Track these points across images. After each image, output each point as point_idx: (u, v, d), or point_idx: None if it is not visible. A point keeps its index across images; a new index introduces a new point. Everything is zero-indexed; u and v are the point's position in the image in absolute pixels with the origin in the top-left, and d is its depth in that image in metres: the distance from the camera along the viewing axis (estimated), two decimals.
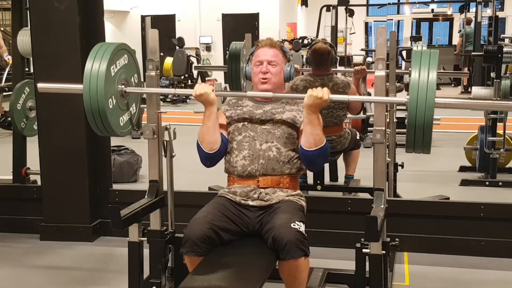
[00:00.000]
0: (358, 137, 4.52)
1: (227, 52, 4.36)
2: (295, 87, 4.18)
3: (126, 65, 2.60)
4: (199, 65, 11.52)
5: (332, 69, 4.36)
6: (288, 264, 2.31)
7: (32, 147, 4.32)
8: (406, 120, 2.19)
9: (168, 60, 11.88)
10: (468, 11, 14.21)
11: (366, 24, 19.85)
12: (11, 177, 4.51)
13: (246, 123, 2.62)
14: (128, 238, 2.65)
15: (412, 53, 2.22)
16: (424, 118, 2.11)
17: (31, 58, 4.04)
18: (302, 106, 2.59)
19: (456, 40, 16.57)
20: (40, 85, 2.78)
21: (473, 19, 12.08)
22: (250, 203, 2.52)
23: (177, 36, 12.76)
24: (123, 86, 2.58)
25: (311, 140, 2.47)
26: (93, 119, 2.47)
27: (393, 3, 17.78)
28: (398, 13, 19.69)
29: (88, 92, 2.43)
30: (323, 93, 2.41)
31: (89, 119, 2.48)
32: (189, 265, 2.42)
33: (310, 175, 4.42)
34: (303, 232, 2.34)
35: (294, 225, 2.32)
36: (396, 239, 3.33)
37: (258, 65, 2.63)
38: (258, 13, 15.14)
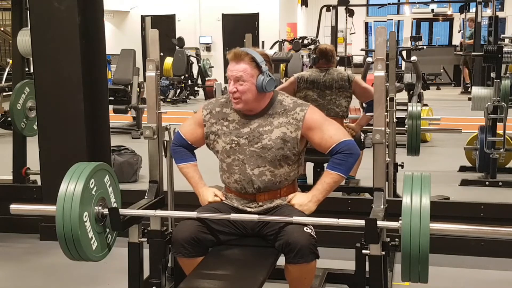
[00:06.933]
0: (362, 139, 4.52)
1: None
2: (300, 76, 4.30)
3: (104, 185, 2.42)
4: None
5: None
6: (299, 267, 2.31)
7: (32, 147, 4.32)
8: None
9: (168, 60, 11.88)
10: (468, 11, 14.21)
11: (366, 24, 19.86)
12: (11, 177, 4.51)
13: (234, 145, 2.48)
14: (128, 239, 2.65)
15: (403, 177, 2.13)
16: (419, 246, 2.01)
17: (31, 58, 4.04)
18: (292, 117, 2.45)
19: (456, 40, 16.59)
20: (12, 206, 2.49)
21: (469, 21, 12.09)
22: (248, 209, 2.52)
23: (177, 36, 12.77)
24: (100, 208, 2.37)
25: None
26: (66, 245, 2.26)
27: (393, 3, 17.78)
28: (398, 13, 19.70)
29: (61, 215, 2.23)
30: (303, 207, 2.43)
31: (60, 244, 2.27)
32: (181, 265, 2.45)
33: (310, 175, 4.42)
34: (315, 235, 2.33)
35: (307, 229, 2.30)
36: (396, 239, 3.32)
37: (229, 80, 2.45)
38: (258, 13, 15.17)
